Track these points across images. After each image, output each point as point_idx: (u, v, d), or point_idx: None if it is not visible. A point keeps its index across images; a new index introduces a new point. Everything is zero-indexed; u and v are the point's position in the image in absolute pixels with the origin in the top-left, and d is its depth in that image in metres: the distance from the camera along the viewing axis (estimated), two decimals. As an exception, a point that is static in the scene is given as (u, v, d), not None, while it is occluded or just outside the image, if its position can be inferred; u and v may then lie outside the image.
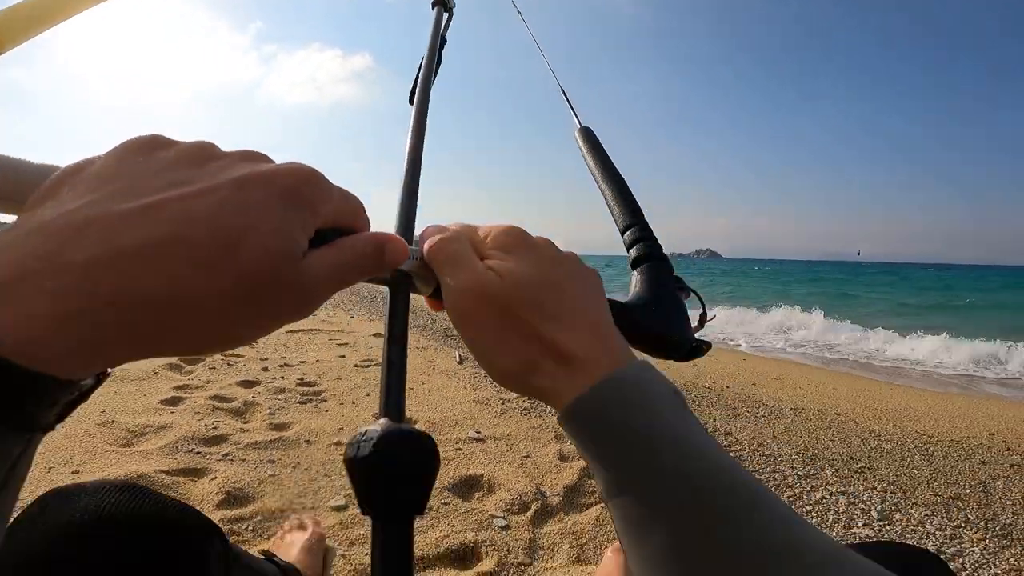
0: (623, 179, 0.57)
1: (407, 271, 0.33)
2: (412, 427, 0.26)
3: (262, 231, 0.23)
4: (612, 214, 0.53)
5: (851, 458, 2.61)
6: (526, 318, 0.32)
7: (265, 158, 0.27)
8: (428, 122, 0.55)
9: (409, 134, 0.52)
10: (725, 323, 8.63)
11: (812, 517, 1.96)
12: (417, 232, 0.37)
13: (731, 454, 2.41)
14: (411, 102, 0.64)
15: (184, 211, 0.22)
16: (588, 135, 0.67)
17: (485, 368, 0.34)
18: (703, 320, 0.45)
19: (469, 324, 0.33)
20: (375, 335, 4.70)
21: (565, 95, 0.78)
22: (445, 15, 0.88)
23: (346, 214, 0.28)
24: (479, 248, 0.35)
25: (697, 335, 0.43)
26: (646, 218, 0.52)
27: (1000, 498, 2.23)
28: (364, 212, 0.30)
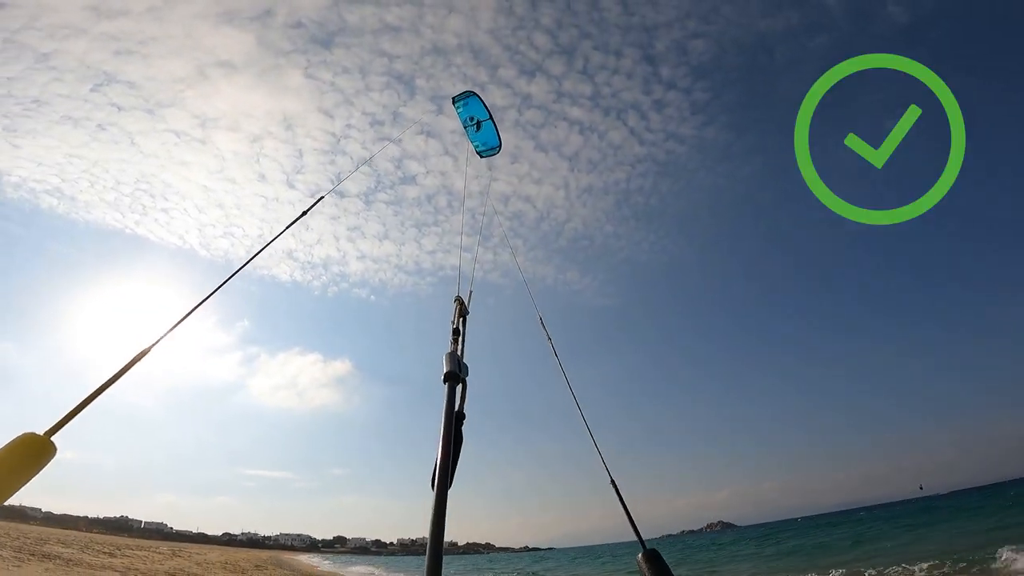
0: None
1: None
2: None
3: None
4: None
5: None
6: None
7: None
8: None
9: (429, 524, 0.52)
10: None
11: None
12: None
13: None
14: (432, 487, 0.63)
15: None
16: (654, 561, 0.58)
17: None
18: None
19: None
20: None
21: (628, 513, 0.73)
22: (458, 388, 0.82)
23: None
24: None
25: None
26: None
27: None
28: None
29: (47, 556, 12.63)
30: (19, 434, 0.68)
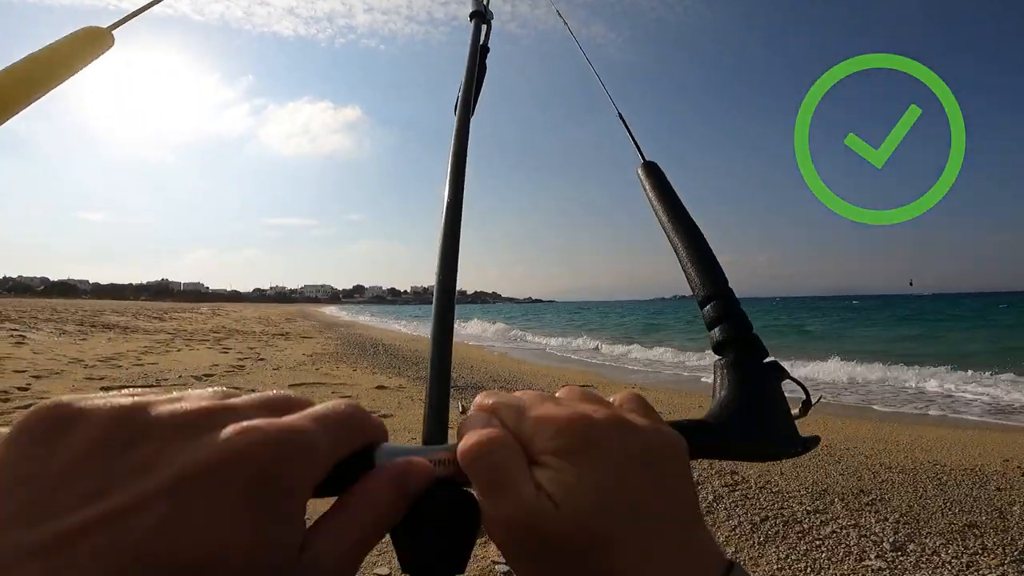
0: (698, 230, 0.46)
1: (441, 477, 0.26)
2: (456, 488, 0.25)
3: (223, 560, 0.17)
4: (687, 279, 0.43)
5: (861, 491, 2.59)
6: (592, 564, 0.23)
7: (219, 410, 0.20)
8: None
9: (448, 178, 0.47)
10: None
11: (823, 551, 1.93)
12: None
13: (738, 493, 2.39)
14: (454, 111, 0.62)
15: (108, 547, 0.16)
16: (653, 172, 0.56)
17: None
18: (806, 408, 0.35)
19: (516, 561, 0.25)
20: (377, 388, 5.11)
21: (625, 124, 0.66)
22: (484, 27, 0.82)
23: (343, 443, 0.22)
24: (531, 448, 0.25)
25: (798, 422, 0.35)
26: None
27: (1018, 523, 2.19)
28: (361, 418, 0.24)
29: (106, 326, 14.20)
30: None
